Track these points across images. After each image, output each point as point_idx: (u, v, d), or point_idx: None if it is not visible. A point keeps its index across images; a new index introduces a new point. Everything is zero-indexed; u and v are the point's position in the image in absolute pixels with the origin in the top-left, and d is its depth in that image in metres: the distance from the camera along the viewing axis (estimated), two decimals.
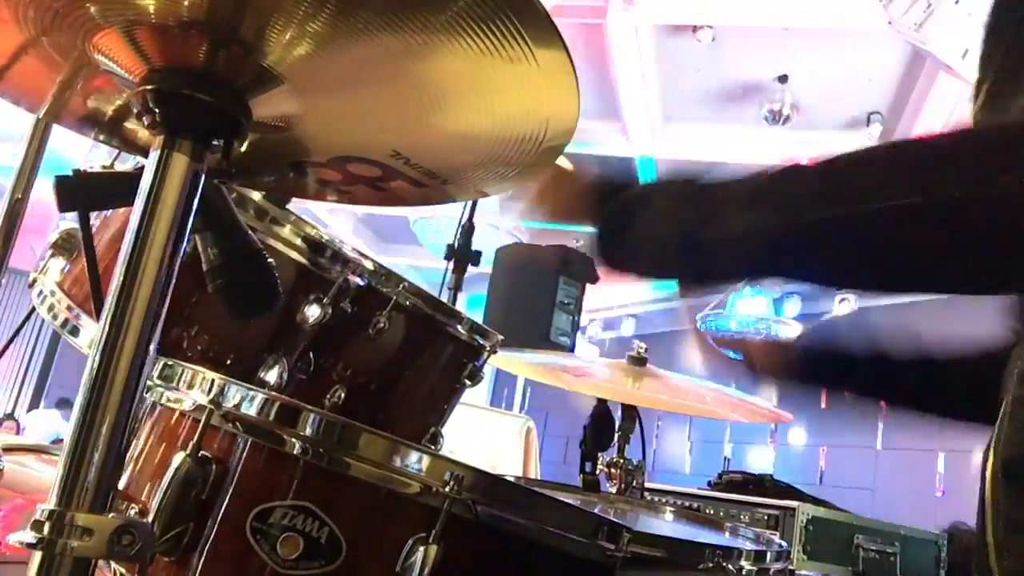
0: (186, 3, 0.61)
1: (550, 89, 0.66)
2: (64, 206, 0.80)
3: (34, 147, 1.38)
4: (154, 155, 0.67)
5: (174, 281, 0.66)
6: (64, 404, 8.29)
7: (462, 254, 2.53)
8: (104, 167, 1.09)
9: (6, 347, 1.52)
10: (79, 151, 1.13)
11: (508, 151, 0.76)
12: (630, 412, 1.78)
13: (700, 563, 0.91)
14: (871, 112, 5.32)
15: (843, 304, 6.83)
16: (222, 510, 0.74)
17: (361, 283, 1.10)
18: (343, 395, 1.13)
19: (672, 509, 1.56)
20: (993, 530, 0.80)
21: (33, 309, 1.19)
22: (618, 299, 8.34)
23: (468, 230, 2.55)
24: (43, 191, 1.01)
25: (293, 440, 0.74)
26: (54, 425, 7.27)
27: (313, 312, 1.06)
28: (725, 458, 7.53)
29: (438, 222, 6.14)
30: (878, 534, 2.51)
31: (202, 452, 0.75)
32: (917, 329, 1.20)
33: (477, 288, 4.91)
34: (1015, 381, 0.82)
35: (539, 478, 2.88)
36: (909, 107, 5.12)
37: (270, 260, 0.85)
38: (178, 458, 0.75)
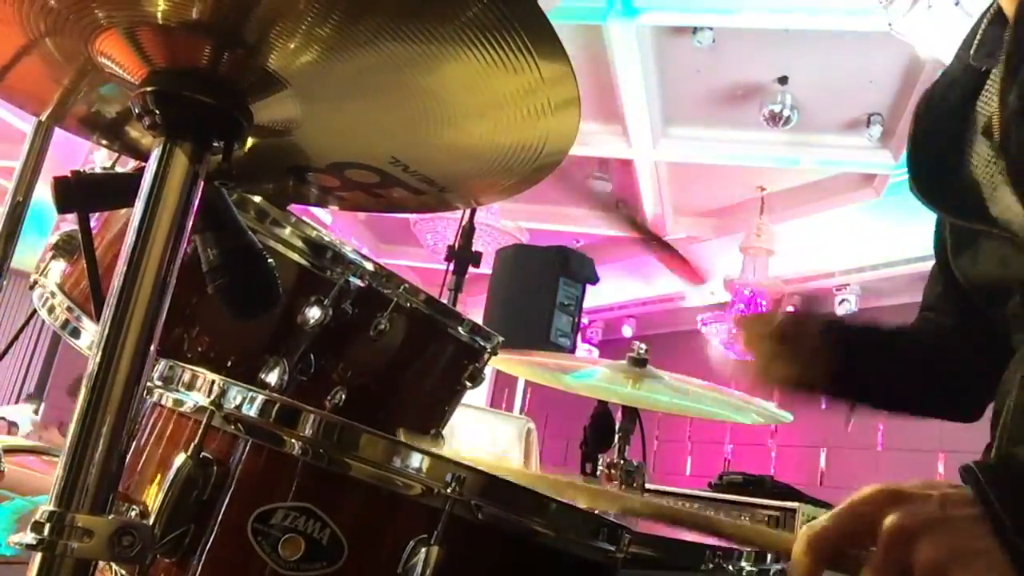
0: (192, 5, 0.61)
1: (552, 101, 0.67)
2: (63, 207, 0.80)
3: (35, 149, 1.38)
4: (154, 156, 0.67)
5: (174, 282, 0.66)
6: (33, 398, 8.24)
7: (462, 255, 2.53)
8: (104, 169, 1.09)
9: (7, 349, 1.52)
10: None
11: (507, 161, 0.76)
12: (630, 413, 1.78)
13: (700, 564, 0.91)
14: (871, 113, 5.32)
15: (843, 305, 6.84)
16: (223, 511, 0.74)
17: (362, 284, 1.10)
18: (344, 396, 1.13)
19: None
20: None
21: (34, 311, 1.19)
22: (618, 300, 8.34)
23: (468, 232, 2.55)
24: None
25: (293, 441, 0.74)
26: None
27: (314, 314, 1.06)
28: (725, 459, 7.52)
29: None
30: None
31: (203, 453, 0.75)
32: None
33: (477, 289, 4.91)
34: (1017, 387, 0.82)
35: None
36: (909, 108, 5.12)
37: (270, 260, 0.85)
38: (179, 459, 0.75)
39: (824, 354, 1.05)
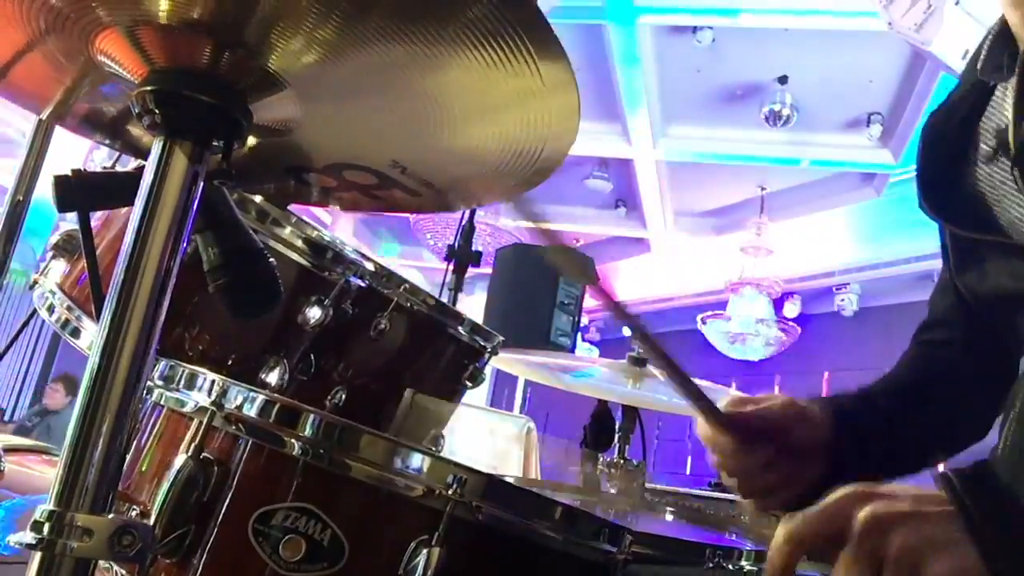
0: (192, 5, 0.61)
1: (552, 103, 0.66)
2: (63, 206, 0.80)
3: (36, 148, 1.38)
4: (154, 156, 0.66)
5: (175, 282, 0.66)
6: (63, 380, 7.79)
7: (462, 255, 2.52)
8: (104, 168, 1.09)
9: (7, 349, 1.52)
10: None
11: (506, 163, 0.75)
12: (630, 413, 1.78)
13: (701, 563, 0.91)
14: (871, 113, 5.32)
15: (844, 303, 6.84)
16: (223, 512, 0.74)
17: (362, 284, 1.10)
18: (344, 396, 1.13)
19: (672, 509, 1.56)
20: None
21: (34, 311, 1.19)
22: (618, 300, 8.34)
23: (468, 231, 2.54)
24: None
25: (293, 441, 0.74)
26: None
27: (314, 313, 1.05)
28: None
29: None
30: None
31: (204, 453, 0.75)
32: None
33: (477, 289, 4.91)
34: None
35: (539, 479, 2.88)
36: (909, 107, 5.13)
37: (271, 259, 0.84)
38: (179, 459, 0.74)
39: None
